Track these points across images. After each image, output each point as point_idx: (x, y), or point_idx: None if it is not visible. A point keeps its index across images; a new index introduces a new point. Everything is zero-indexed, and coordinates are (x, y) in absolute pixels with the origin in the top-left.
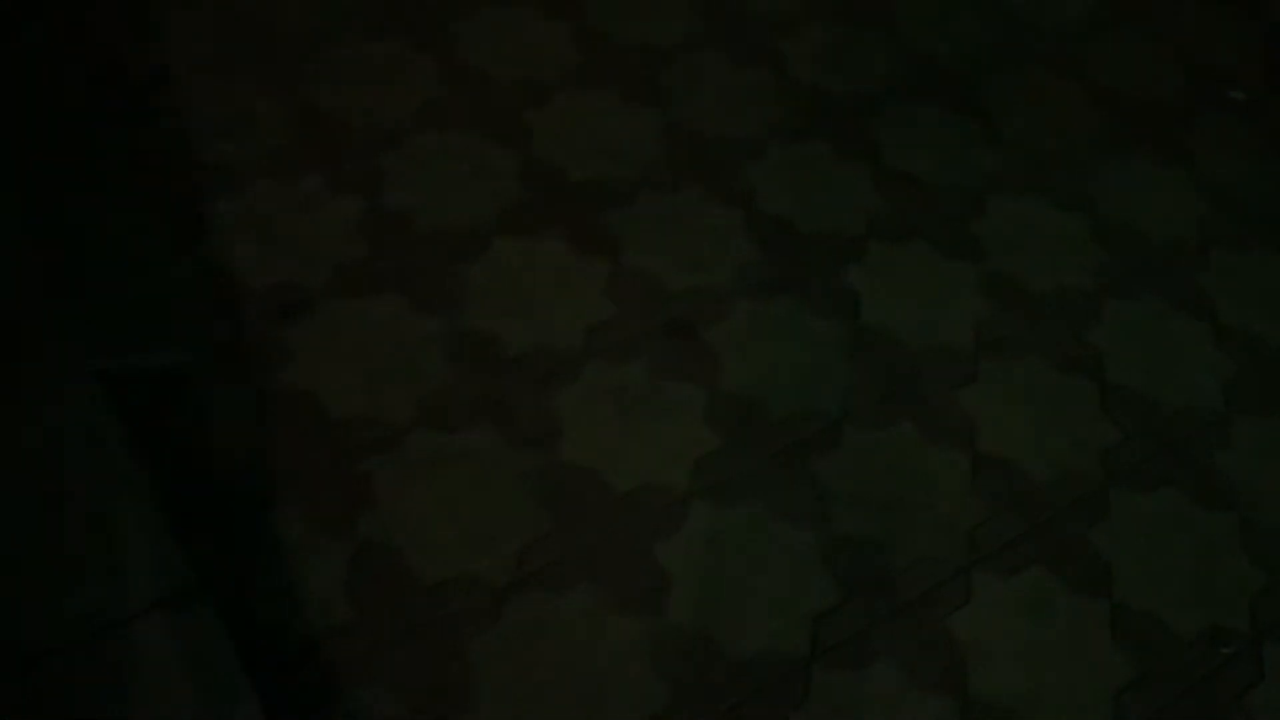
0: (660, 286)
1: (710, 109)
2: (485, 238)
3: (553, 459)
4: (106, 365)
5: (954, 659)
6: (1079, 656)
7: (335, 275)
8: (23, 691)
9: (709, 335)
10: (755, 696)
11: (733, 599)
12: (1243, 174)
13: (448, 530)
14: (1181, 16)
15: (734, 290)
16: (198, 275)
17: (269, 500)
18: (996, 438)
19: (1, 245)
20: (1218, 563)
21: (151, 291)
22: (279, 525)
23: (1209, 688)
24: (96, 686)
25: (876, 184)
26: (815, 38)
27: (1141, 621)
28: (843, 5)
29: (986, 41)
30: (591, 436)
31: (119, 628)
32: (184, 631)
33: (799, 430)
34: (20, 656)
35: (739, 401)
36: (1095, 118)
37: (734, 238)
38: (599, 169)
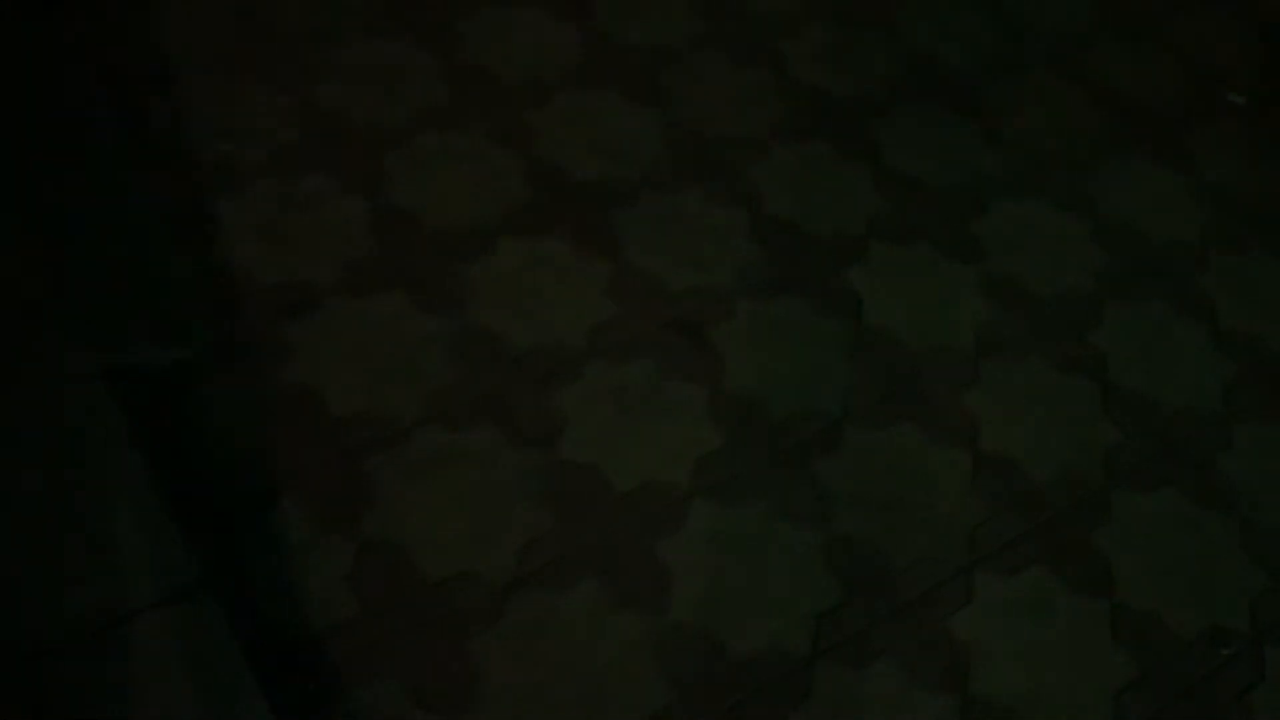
0: (662, 286)
1: (712, 109)
2: (488, 237)
3: (554, 458)
4: (109, 362)
5: (955, 658)
6: (1079, 656)
7: (339, 274)
8: (24, 688)
9: (710, 335)
10: (756, 695)
11: (734, 598)
12: (1242, 177)
13: (450, 528)
14: (1181, 20)
15: (735, 290)
16: (200, 273)
17: (271, 498)
18: (997, 438)
19: (8, 242)
20: (1218, 563)
21: (154, 289)
22: (281, 523)
23: (1209, 688)
24: (99, 684)
25: (878, 184)
26: (816, 39)
27: (1142, 621)
28: (844, 6)
29: (987, 43)
30: (593, 435)
31: (121, 625)
32: (187, 628)
33: (800, 430)
34: (21, 654)
35: (740, 401)
36: (1096, 120)
37: (735, 238)
38: (601, 169)
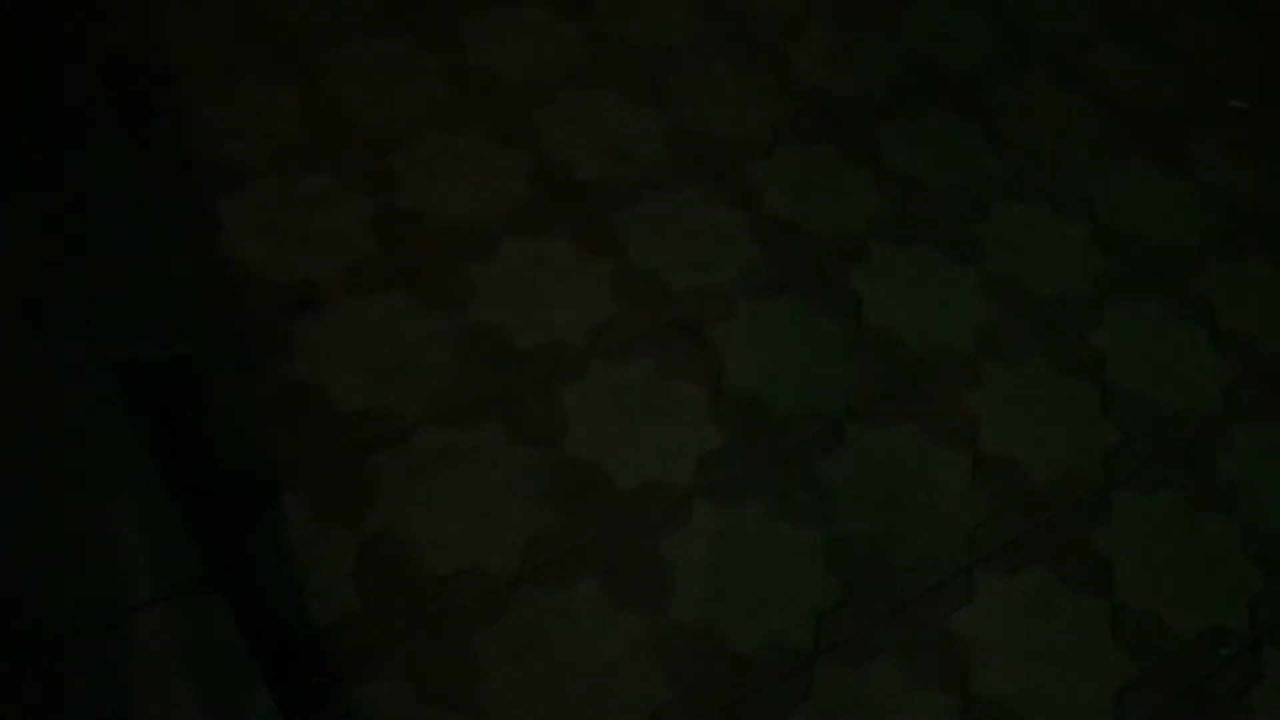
0: (664, 286)
1: (713, 109)
2: (490, 237)
3: (557, 456)
4: (113, 359)
5: (955, 657)
6: (1080, 655)
7: (341, 272)
8: (27, 683)
9: (712, 335)
10: (757, 693)
11: (735, 597)
12: (1241, 181)
13: (453, 525)
14: (1182, 24)
15: (736, 290)
16: (206, 271)
17: (274, 495)
18: (998, 438)
19: (10, 239)
20: (1217, 564)
21: (159, 286)
22: (284, 520)
23: (1209, 687)
24: (101, 678)
25: (879, 186)
26: (818, 39)
27: (1142, 621)
28: (845, 7)
29: (988, 45)
30: (595, 434)
31: (127, 618)
32: (191, 623)
33: (801, 430)
34: (25, 647)
35: (742, 401)
36: (1096, 123)
37: (736, 238)
38: (602, 169)
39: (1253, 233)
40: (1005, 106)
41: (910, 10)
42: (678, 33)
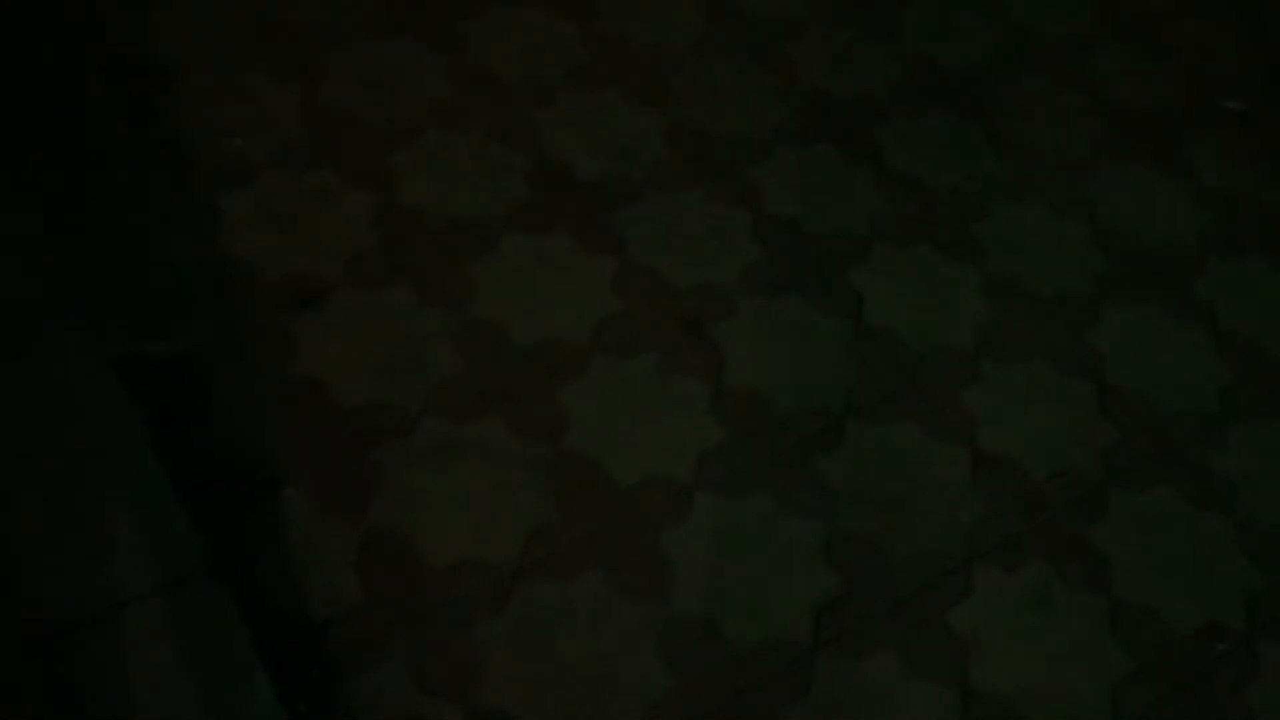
0: (666, 284)
1: (716, 110)
2: (491, 234)
3: (559, 450)
4: (116, 353)
5: (954, 652)
6: (1078, 651)
7: (347, 267)
8: (25, 674)
9: (713, 332)
10: (758, 685)
11: (735, 590)
12: (1240, 182)
13: (455, 518)
14: (1181, 26)
15: (739, 288)
16: (207, 267)
17: (277, 487)
18: (997, 436)
19: (14, 236)
20: (1214, 561)
21: (161, 282)
22: (287, 511)
23: (1206, 682)
24: (106, 668)
25: (879, 186)
26: (818, 39)
27: (1139, 617)
28: (846, 7)
29: (988, 46)
30: (597, 429)
31: (128, 610)
32: (192, 614)
33: (801, 427)
34: (26, 638)
35: (742, 398)
36: (1095, 124)
37: (738, 237)
38: (604, 168)
39: (1252, 233)
40: (1005, 108)
41: (910, 11)
42: (678, 32)
